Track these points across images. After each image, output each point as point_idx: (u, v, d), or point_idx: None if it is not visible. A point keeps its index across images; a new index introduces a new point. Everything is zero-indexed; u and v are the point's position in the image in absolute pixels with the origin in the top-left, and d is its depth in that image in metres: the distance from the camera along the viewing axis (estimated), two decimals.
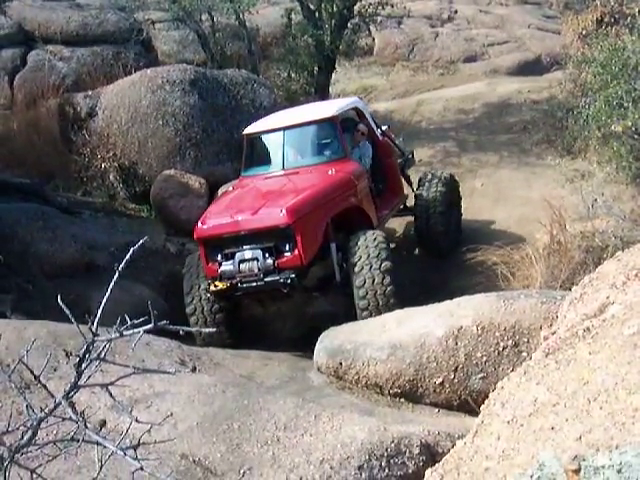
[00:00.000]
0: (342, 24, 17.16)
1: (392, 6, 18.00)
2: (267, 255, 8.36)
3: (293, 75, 17.81)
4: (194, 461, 5.23)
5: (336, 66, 17.82)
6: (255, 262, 8.34)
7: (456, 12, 25.60)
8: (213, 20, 18.42)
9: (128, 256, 2.46)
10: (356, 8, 17.30)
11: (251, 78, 15.36)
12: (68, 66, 18.02)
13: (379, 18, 18.48)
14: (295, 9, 18.12)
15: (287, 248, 8.39)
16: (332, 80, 17.86)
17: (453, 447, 5.03)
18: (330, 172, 9.40)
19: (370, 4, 17.49)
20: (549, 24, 25.05)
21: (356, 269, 8.46)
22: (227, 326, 8.92)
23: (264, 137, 10.38)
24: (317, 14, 17.06)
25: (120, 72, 16.86)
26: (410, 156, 12.19)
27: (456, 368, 6.90)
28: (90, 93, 14.71)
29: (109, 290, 2.57)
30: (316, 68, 17.52)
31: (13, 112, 15.82)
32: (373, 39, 22.80)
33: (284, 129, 10.01)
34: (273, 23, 20.51)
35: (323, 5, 17.06)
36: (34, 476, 2.78)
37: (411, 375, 7.09)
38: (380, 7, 17.64)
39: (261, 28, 20.17)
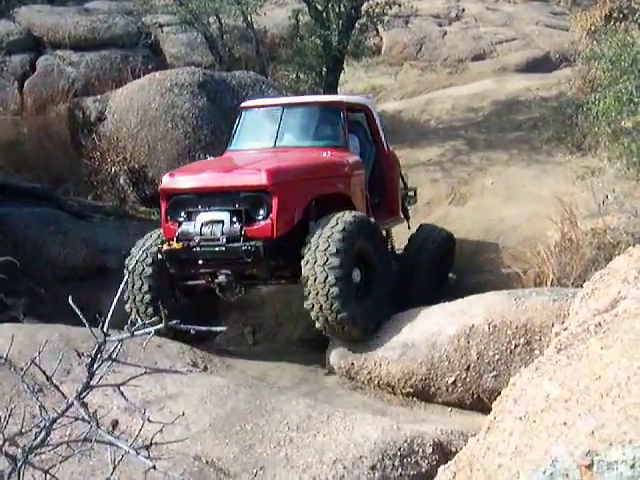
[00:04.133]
0: (350, 24, 17.14)
1: (399, 5, 17.98)
2: (235, 219, 7.36)
3: (301, 76, 17.80)
4: (207, 462, 5.24)
5: (344, 66, 17.79)
6: (220, 225, 7.36)
7: (463, 10, 25.55)
8: (221, 22, 18.43)
9: (138, 257, 2.46)
10: (363, 8, 17.28)
11: (259, 79, 15.37)
12: (77, 71, 18.07)
13: (386, 18, 18.44)
14: (302, 10, 18.11)
15: (259, 214, 7.39)
16: (340, 80, 17.84)
17: (466, 445, 5.04)
18: (324, 155, 8.53)
19: (377, 4, 17.48)
20: (557, 21, 24.96)
21: (302, 262, 7.31)
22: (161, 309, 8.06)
23: (261, 112, 9.57)
24: (324, 15, 17.05)
25: (129, 76, 16.90)
26: (412, 193, 10.95)
27: (468, 367, 6.90)
28: (99, 97, 14.75)
29: (119, 292, 2.58)
30: (324, 69, 17.50)
31: (23, 117, 15.88)
32: (381, 39, 22.77)
33: (284, 106, 9.26)
34: (281, 24, 20.51)
35: (330, 5, 17.04)
36: (48, 477, 2.79)
37: (423, 374, 7.09)
38: (387, 7, 17.61)
39: (269, 29, 20.18)
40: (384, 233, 9.63)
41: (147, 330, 2.50)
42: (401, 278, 9.25)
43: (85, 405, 2.55)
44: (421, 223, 10.70)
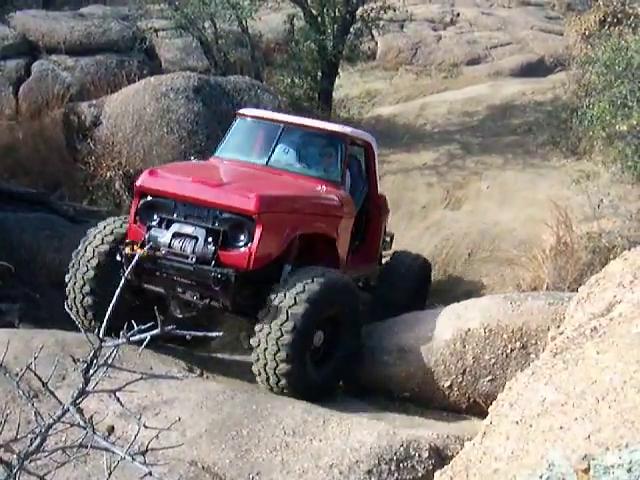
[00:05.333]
0: (345, 29, 17.18)
1: (394, 10, 18.02)
2: (210, 240, 6.70)
3: (296, 80, 17.82)
4: (203, 467, 5.24)
5: (339, 71, 17.83)
6: (193, 242, 6.70)
7: (458, 15, 25.60)
8: (216, 27, 18.44)
9: (134, 262, 2.46)
10: (358, 13, 17.31)
11: (254, 84, 15.38)
12: (72, 75, 18.05)
13: (381, 22, 18.46)
14: (297, 15, 18.15)
15: (238, 240, 6.75)
16: (335, 85, 17.87)
17: (462, 449, 5.04)
18: (319, 188, 7.90)
19: (372, 8, 17.51)
20: (552, 25, 25.03)
21: (256, 326, 6.65)
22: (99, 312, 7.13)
23: (258, 124, 8.88)
24: (319, 19, 17.08)
25: (124, 81, 16.88)
26: (389, 239, 10.13)
27: (464, 371, 6.90)
28: (94, 102, 14.75)
29: (115, 297, 2.58)
30: (319, 73, 17.53)
31: (18, 122, 15.85)
32: (376, 43, 22.80)
33: (285, 124, 8.51)
34: (276, 29, 20.55)
35: (325, 10, 17.07)
36: None
37: (419, 379, 7.10)
38: (382, 11, 17.66)
39: (264, 34, 20.19)
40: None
41: (143, 336, 2.50)
42: (375, 311, 8.93)
43: (81, 411, 2.54)
44: (395, 250, 10.15)
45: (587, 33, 17.02)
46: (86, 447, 2.59)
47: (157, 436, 2.76)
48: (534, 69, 21.68)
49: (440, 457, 5.59)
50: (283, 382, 6.52)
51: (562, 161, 13.99)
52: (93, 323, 7.22)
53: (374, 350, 7.43)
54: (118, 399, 2.69)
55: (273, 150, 8.27)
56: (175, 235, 6.79)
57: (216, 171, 8.25)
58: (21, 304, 8.86)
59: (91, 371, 2.53)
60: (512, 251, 10.57)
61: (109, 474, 2.55)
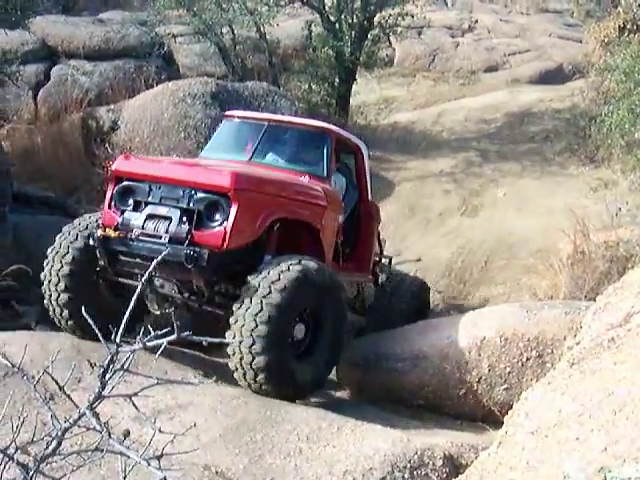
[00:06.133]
0: (362, 35, 17.21)
1: (412, 17, 18.02)
2: (185, 219, 6.47)
3: (314, 87, 17.85)
4: (217, 472, 5.23)
5: (357, 77, 17.85)
6: (167, 223, 6.49)
7: (476, 22, 25.58)
8: (234, 33, 18.51)
9: (151, 268, 2.47)
10: (376, 19, 17.35)
11: (272, 90, 15.42)
12: (91, 80, 18.16)
13: (399, 29, 18.48)
14: (315, 21, 18.18)
15: (213, 220, 6.50)
16: (353, 91, 17.89)
17: (476, 458, 5.01)
18: (301, 178, 7.67)
19: (390, 15, 17.53)
20: (570, 32, 24.97)
21: (232, 318, 6.33)
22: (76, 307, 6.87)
23: (243, 123, 8.79)
24: (337, 26, 17.12)
25: (142, 86, 16.97)
26: (387, 261, 9.89)
27: (479, 379, 6.87)
28: (113, 107, 14.83)
29: (133, 302, 2.59)
30: (337, 80, 17.56)
31: (37, 126, 15.95)
32: (393, 50, 22.81)
33: (269, 122, 8.45)
34: (293, 35, 20.59)
35: (343, 17, 17.12)
36: None
37: (434, 386, 7.07)
38: (400, 18, 17.67)
39: (281, 40, 20.23)
40: (355, 287, 9.14)
41: (159, 342, 2.50)
42: (368, 328, 8.78)
43: (97, 415, 2.55)
44: (392, 272, 9.87)
45: (606, 40, 16.92)
46: (102, 451, 2.60)
47: (172, 441, 2.76)
48: (552, 76, 21.62)
49: (454, 465, 5.56)
50: (261, 377, 6.23)
51: (580, 169, 13.94)
52: (70, 322, 7.08)
53: (388, 357, 7.42)
54: (134, 404, 2.70)
55: (257, 147, 8.15)
56: (149, 217, 6.62)
57: (194, 161, 8.27)
58: (38, 307, 8.90)
59: (107, 376, 2.54)
60: (529, 259, 10.54)
61: (124, 478, 2.55)
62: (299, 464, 5.39)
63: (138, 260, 6.62)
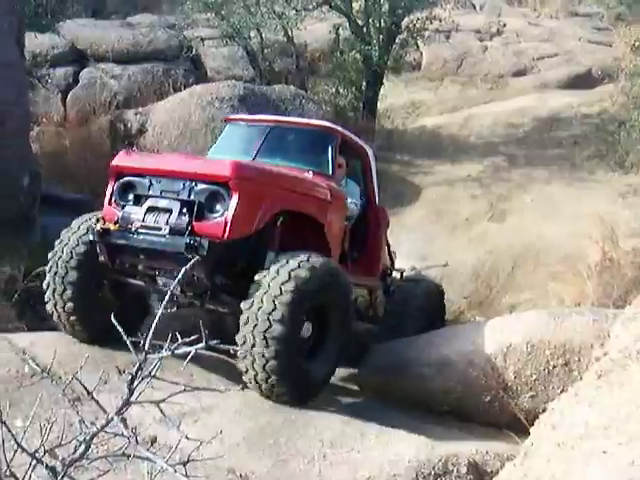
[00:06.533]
0: (390, 39, 17.20)
1: (440, 20, 18.01)
2: (185, 211, 6.34)
3: (341, 90, 17.88)
4: (241, 475, 5.23)
5: (384, 81, 17.83)
6: (167, 215, 6.37)
7: (505, 25, 25.45)
8: (261, 37, 18.59)
9: (180, 275, 2.48)
10: (404, 23, 17.34)
11: (299, 94, 15.47)
12: (119, 83, 18.31)
13: (427, 33, 18.47)
14: (343, 25, 18.21)
15: (214, 210, 6.36)
16: (380, 95, 17.88)
17: (501, 467, 4.99)
18: (305, 174, 7.54)
19: (418, 19, 17.51)
20: (600, 36, 24.81)
21: (241, 318, 6.20)
22: (81, 307, 6.88)
23: (246, 126, 8.72)
24: (365, 29, 17.12)
25: (170, 89, 17.10)
26: (399, 274, 9.71)
27: (505, 386, 6.82)
28: (141, 110, 14.94)
29: (162, 308, 2.60)
30: (364, 83, 17.57)
31: (66, 129, 16.09)
32: (421, 54, 22.78)
33: (272, 123, 8.46)
34: (321, 39, 20.63)
35: (371, 20, 17.13)
36: None
37: (459, 393, 7.03)
38: (428, 22, 17.66)
39: (309, 44, 20.30)
40: (367, 296, 9.05)
41: (187, 349, 2.52)
42: (381, 334, 8.65)
43: (124, 421, 2.57)
44: (405, 276, 9.79)
45: (637, 44, 16.80)
46: (129, 456, 2.62)
47: (198, 448, 2.78)
48: (581, 81, 21.49)
49: (479, 473, 5.53)
50: (273, 378, 6.08)
51: (609, 175, 13.84)
52: (77, 327, 6.99)
53: (413, 363, 7.40)
54: (161, 410, 2.71)
55: (260, 147, 8.03)
56: (149, 210, 6.49)
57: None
58: None
59: (135, 382, 2.56)
60: (556, 266, 10.47)
61: None
62: (323, 469, 5.39)
63: (138, 253, 6.52)
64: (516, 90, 20.80)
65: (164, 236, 6.27)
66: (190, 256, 5.91)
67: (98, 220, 6.83)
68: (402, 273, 9.81)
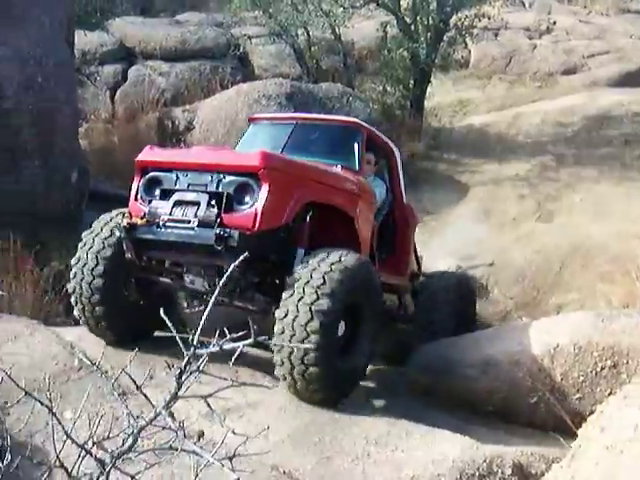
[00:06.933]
0: (438, 37, 17.11)
1: (489, 18, 17.85)
2: (213, 203, 6.19)
3: (388, 89, 17.83)
4: (284, 472, 5.25)
5: (431, 79, 17.75)
6: (195, 208, 6.22)
7: (555, 23, 25.14)
8: (309, 34, 18.62)
9: (229, 272, 2.49)
10: (452, 21, 17.22)
11: (346, 92, 15.47)
12: (167, 81, 18.50)
13: (475, 30, 18.32)
14: (391, 22, 18.15)
15: (243, 202, 6.20)
16: (427, 93, 17.80)
17: (547, 469, 4.94)
18: (334, 167, 7.45)
19: (467, 16, 17.38)
20: None
21: (283, 297, 6.06)
22: (110, 308, 6.77)
23: (271, 125, 8.68)
24: (413, 27, 17.06)
25: (217, 86, 17.23)
26: (426, 280, 9.43)
27: (551, 388, 6.75)
28: (188, 107, 15.07)
29: (210, 305, 2.62)
30: (411, 81, 17.50)
31: (114, 125, 16.30)
32: (469, 52, 22.60)
33: (297, 120, 8.39)
34: (368, 37, 20.60)
35: (419, 18, 17.05)
36: None
37: (504, 394, 6.98)
38: (477, 19, 17.51)
39: (356, 42, 20.27)
40: (397, 299, 9.01)
41: (236, 345, 2.54)
42: (418, 340, 8.47)
43: (172, 415, 2.60)
44: (427, 274, 9.61)
45: None
46: (176, 450, 2.64)
47: (245, 442, 2.79)
48: (632, 79, 21.13)
49: (523, 475, 5.48)
50: (312, 372, 5.92)
51: None
52: (106, 331, 6.90)
53: (459, 363, 7.35)
54: (208, 404, 2.74)
55: (286, 144, 7.91)
56: (176, 203, 6.34)
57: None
58: None
59: (183, 377, 2.59)
60: (605, 266, 10.34)
61: (195, 476, 2.59)
62: (366, 468, 5.38)
63: (166, 247, 6.40)
64: (565, 88, 20.55)
65: (193, 229, 6.14)
66: (220, 248, 5.90)
67: (124, 215, 6.73)
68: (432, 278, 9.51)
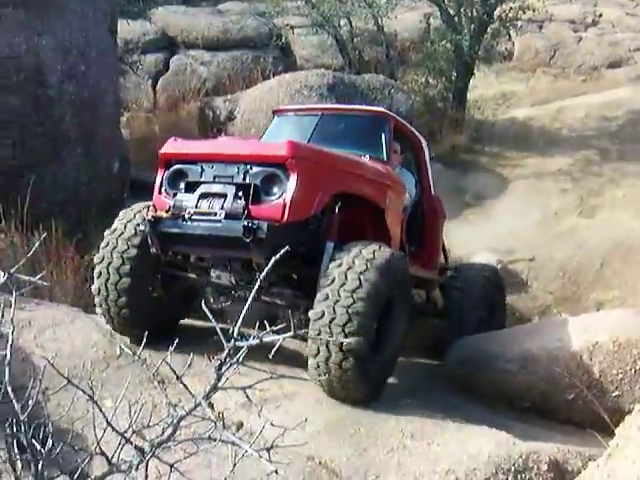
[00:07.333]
0: (481, 29, 16.97)
1: (534, 10, 17.64)
2: (240, 195, 6.01)
3: (431, 80, 17.74)
4: (320, 463, 5.28)
5: (474, 71, 17.63)
6: (221, 200, 6.04)
7: (600, 15, 24.79)
8: (351, 25, 18.57)
9: (270, 265, 2.52)
10: (496, 13, 17.07)
11: (389, 83, 15.41)
12: (208, 70, 18.58)
13: (520, 23, 18.14)
14: (434, 14, 18.06)
15: (271, 193, 6.04)
16: (470, 86, 17.68)
17: (583, 466, 4.91)
18: (362, 157, 7.30)
19: (511, 8, 17.21)
20: None
21: (319, 295, 5.90)
22: (135, 302, 6.63)
23: (296, 117, 8.52)
24: (456, 19, 16.95)
25: (259, 76, 17.26)
26: (453, 273, 9.26)
27: (590, 385, 6.71)
28: (229, 97, 15.11)
29: (251, 298, 2.65)
30: (454, 73, 17.39)
31: (155, 114, 16.43)
32: (513, 44, 22.37)
33: (323, 111, 8.24)
34: (411, 28, 20.49)
35: (463, 10, 16.93)
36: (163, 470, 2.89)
37: (542, 389, 6.95)
38: (521, 11, 17.33)
39: (399, 33, 20.17)
40: (424, 293, 8.98)
41: (275, 338, 2.56)
42: (449, 337, 8.43)
43: (212, 405, 2.63)
44: (455, 266, 9.52)
45: None
46: (215, 440, 2.68)
47: (282, 434, 2.82)
48: None
49: (560, 472, 5.45)
50: (350, 362, 5.79)
51: None
52: (132, 330, 6.71)
53: (497, 357, 7.33)
54: (247, 396, 2.77)
55: (312, 135, 7.74)
56: (202, 196, 6.16)
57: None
58: None
59: (224, 368, 2.62)
60: None
61: (233, 466, 2.63)
62: (402, 460, 5.39)
63: (193, 241, 6.24)
64: (610, 82, 20.26)
65: (220, 221, 5.98)
66: (248, 240, 5.76)
67: (148, 209, 6.57)
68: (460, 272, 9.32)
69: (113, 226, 6.79)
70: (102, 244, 6.73)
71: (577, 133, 16.39)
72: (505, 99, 19.45)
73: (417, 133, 8.84)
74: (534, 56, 22.36)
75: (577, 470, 5.28)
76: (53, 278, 8.25)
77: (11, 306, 3.01)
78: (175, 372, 2.80)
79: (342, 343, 5.71)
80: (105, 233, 6.80)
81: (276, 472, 2.47)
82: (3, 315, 3.39)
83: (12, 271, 2.80)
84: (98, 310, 6.85)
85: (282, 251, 3.10)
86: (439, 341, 8.58)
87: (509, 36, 20.67)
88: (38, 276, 2.96)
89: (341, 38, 18.48)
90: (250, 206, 5.96)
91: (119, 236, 6.64)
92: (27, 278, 2.92)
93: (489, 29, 17.28)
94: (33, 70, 9.71)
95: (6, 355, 3.08)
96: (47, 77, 9.84)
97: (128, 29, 16.77)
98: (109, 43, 11.47)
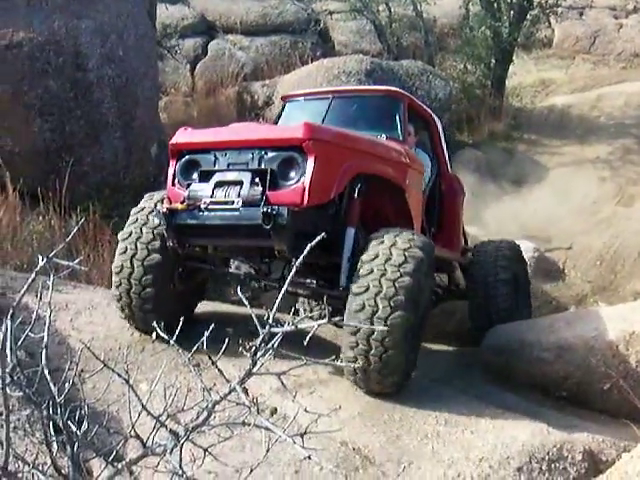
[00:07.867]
0: (521, 15, 16.83)
1: None
2: (257, 181, 5.80)
3: (469, 67, 17.63)
4: (353, 449, 5.30)
5: (513, 58, 17.48)
6: (237, 187, 5.83)
7: None
8: (390, 11, 18.50)
9: (306, 252, 2.53)
10: None
11: (427, 69, 15.35)
12: (247, 55, 18.62)
13: (560, 9, 17.95)
14: (473, 0, 17.90)
15: (289, 178, 5.83)
16: (509, 73, 17.54)
17: (618, 456, 4.88)
18: (379, 136, 7.12)
19: None
20: None
21: (362, 271, 5.74)
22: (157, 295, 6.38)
23: (306, 101, 8.27)
24: (496, 5, 16.82)
25: (297, 62, 17.27)
26: (471, 254, 8.92)
27: (626, 375, 6.65)
28: (267, 82, 15.15)
29: (284, 289, 2.66)
30: (493, 60, 17.27)
31: (193, 99, 16.49)
32: (553, 31, 22.13)
33: (333, 94, 7.98)
34: (450, 14, 20.33)
35: None
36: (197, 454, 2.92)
37: (578, 379, 6.90)
38: None
39: (438, 19, 20.04)
40: (446, 275, 8.74)
41: (311, 324, 2.58)
42: (476, 320, 8.38)
43: (246, 391, 2.65)
44: (475, 245, 9.21)
45: None
46: (249, 425, 2.70)
47: (316, 420, 2.84)
48: None
49: (594, 461, 5.42)
50: (391, 353, 5.66)
51: None
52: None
53: (533, 345, 7.29)
54: (282, 382, 2.79)
55: (324, 118, 7.50)
56: (217, 184, 5.94)
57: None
58: None
59: (258, 354, 2.64)
60: None
61: (267, 451, 2.65)
62: (436, 447, 5.40)
63: (210, 232, 6.05)
64: None
65: (237, 209, 5.75)
66: (268, 227, 5.56)
67: (162, 202, 6.36)
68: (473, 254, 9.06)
69: (126, 230, 6.60)
70: (118, 250, 6.52)
71: (616, 121, 16.19)
72: (544, 86, 19.25)
73: (430, 110, 8.66)
74: (574, 43, 22.09)
75: (611, 460, 5.25)
76: (90, 261, 8.35)
77: (49, 289, 3.05)
78: (210, 357, 2.82)
79: (387, 317, 5.56)
80: (120, 235, 6.62)
81: (309, 458, 2.48)
82: (41, 298, 3.44)
83: (50, 256, 2.83)
84: (120, 314, 6.61)
85: (318, 238, 3.09)
86: (461, 326, 8.56)
87: (549, 23, 20.49)
88: (76, 261, 2.98)
89: (379, 24, 18.41)
90: (268, 192, 5.76)
91: (137, 239, 6.42)
92: (65, 263, 2.94)
93: (529, 15, 17.12)
94: (72, 54, 9.80)
95: (43, 338, 3.13)
96: (86, 61, 9.93)
97: (167, 13, 16.84)
98: (148, 27, 11.53)
